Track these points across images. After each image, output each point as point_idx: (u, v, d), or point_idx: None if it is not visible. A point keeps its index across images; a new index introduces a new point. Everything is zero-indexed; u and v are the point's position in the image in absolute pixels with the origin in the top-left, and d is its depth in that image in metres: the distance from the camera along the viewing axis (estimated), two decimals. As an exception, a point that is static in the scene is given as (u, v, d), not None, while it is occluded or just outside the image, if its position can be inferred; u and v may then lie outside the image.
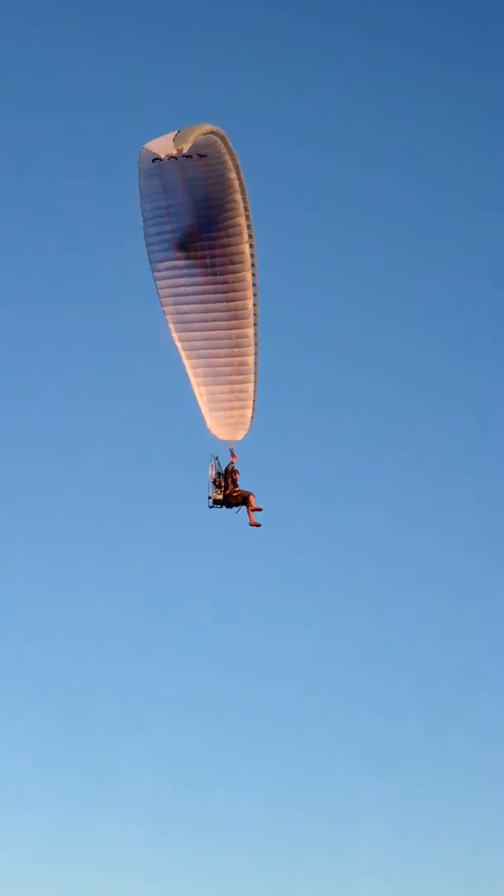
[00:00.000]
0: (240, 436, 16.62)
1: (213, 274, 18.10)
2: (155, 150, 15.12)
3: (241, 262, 17.52)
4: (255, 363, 17.09)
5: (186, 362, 17.63)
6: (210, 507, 16.29)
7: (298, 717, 44.84)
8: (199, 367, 17.50)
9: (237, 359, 17.10)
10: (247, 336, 17.26)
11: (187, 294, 18.69)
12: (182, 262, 18.37)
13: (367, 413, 50.24)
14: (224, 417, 16.94)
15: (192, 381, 17.51)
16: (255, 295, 17.29)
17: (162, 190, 16.86)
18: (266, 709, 44.34)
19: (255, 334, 17.20)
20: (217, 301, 17.80)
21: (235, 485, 16.33)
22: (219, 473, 16.56)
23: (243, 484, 16.33)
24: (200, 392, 17.31)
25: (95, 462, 49.39)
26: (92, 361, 50.84)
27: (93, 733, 43.87)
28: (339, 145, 55.51)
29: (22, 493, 49.81)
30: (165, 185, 16.75)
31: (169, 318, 18.21)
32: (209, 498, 16.38)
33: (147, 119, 51.72)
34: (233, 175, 16.25)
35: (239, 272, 17.55)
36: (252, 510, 16.31)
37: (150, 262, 18.57)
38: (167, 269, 18.63)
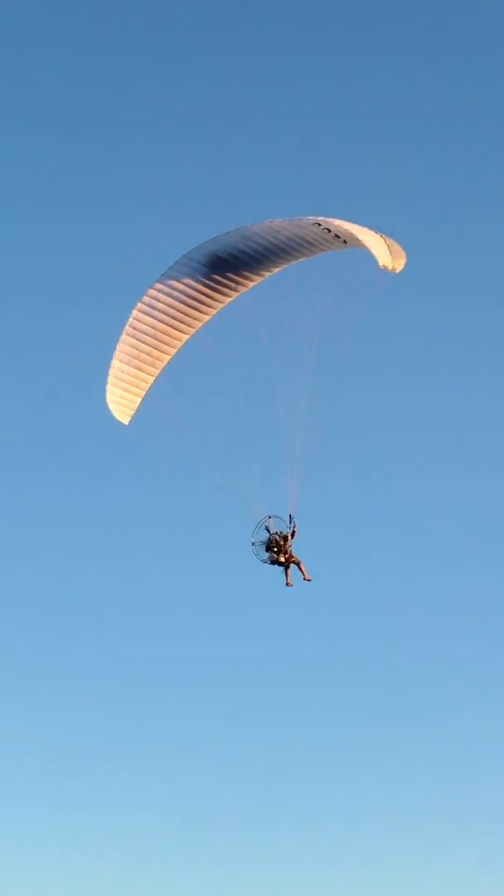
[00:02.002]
0: None
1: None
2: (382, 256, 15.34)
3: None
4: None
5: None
6: (263, 561, 16.53)
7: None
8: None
9: None
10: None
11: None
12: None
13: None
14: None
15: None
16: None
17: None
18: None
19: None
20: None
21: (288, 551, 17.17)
22: (280, 536, 16.77)
23: None
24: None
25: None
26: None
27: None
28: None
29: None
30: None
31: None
32: (267, 551, 16.85)
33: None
34: None
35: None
36: (304, 577, 17.28)
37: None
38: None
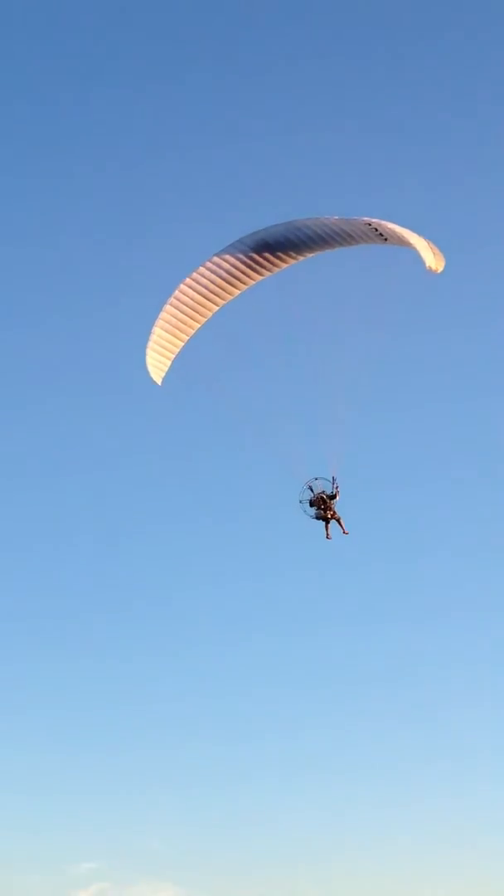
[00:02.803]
0: None
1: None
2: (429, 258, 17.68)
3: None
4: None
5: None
6: (312, 517, 18.87)
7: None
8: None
9: None
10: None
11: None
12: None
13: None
14: None
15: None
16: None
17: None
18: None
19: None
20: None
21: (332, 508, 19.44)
22: (322, 495, 18.93)
23: None
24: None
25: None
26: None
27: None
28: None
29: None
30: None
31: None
32: (312, 506, 18.88)
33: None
34: None
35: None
36: (343, 531, 19.89)
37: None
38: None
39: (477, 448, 45.62)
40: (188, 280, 20.64)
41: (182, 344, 21.76)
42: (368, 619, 44.37)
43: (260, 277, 20.76)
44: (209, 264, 20.42)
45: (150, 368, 21.53)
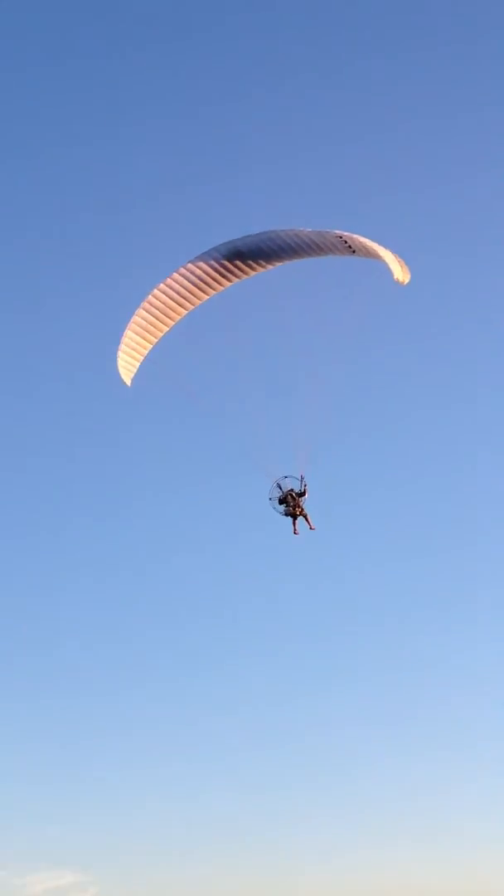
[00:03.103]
0: None
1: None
2: (396, 271, 18.85)
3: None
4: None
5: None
6: (281, 513, 19.79)
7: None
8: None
9: None
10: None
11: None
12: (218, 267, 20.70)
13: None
14: None
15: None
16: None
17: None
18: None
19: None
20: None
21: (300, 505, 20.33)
22: (291, 493, 19.90)
23: None
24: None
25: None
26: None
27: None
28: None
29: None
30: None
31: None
32: (281, 503, 19.75)
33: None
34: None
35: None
36: (309, 526, 20.86)
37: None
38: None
39: (445, 451, 48.59)
40: (161, 285, 21.40)
41: (150, 346, 22.47)
42: (358, 613, 46.84)
43: (230, 283, 21.65)
44: (182, 270, 21.22)
45: (121, 370, 22.18)
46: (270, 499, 20.15)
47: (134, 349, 22.25)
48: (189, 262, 21.17)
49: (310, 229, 19.49)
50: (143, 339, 22.21)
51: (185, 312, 22.14)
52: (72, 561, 47.19)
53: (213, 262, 21.14)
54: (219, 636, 46.22)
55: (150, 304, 21.66)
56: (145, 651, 45.50)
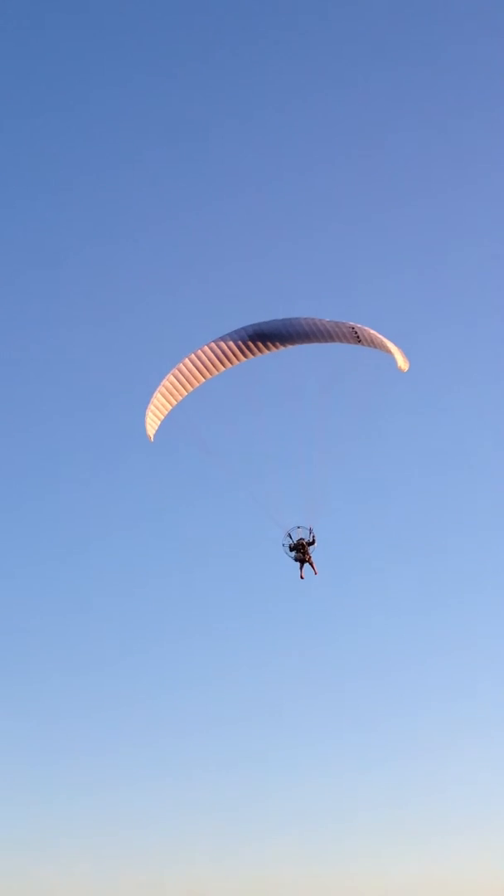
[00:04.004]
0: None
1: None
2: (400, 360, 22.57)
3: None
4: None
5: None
6: (291, 557, 22.97)
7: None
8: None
9: None
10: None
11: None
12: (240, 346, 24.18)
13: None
14: None
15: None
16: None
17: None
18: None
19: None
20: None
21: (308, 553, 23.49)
22: (301, 542, 23.08)
23: None
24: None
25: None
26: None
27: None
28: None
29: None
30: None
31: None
32: (292, 550, 22.99)
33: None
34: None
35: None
36: (314, 571, 23.86)
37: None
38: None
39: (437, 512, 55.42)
40: (192, 356, 24.75)
41: (173, 405, 25.71)
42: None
43: (251, 357, 25.09)
44: (212, 343, 24.62)
45: (147, 426, 25.32)
46: (283, 545, 23.27)
47: (159, 409, 25.45)
48: (219, 337, 24.60)
49: (327, 319, 23.13)
50: (168, 400, 25.45)
51: (204, 379, 25.47)
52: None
53: (238, 340, 24.60)
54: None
55: (180, 371, 24.97)
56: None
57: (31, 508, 56.60)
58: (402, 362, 22.54)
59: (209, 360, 24.95)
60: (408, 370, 22.75)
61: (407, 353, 23.12)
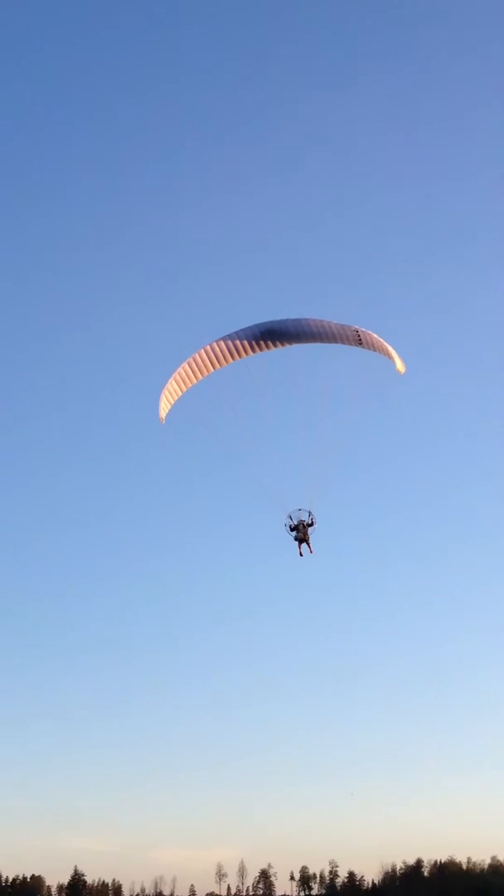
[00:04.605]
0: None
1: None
2: (399, 363, 24.76)
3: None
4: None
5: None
6: (292, 536, 24.96)
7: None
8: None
9: None
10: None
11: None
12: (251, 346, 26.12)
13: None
14: None
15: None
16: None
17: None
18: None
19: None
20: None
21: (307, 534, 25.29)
22: (301, 523, 25.02)
23: None
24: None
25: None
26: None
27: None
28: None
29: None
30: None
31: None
32: (292, 530, 24.93)
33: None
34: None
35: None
36: (310, 550, 25.97)
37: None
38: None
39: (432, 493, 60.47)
40: (206, 347, 26.70)
41: (182, 392, 27.66)
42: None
43: (259, 353, 27.04)
44: (226, 336, 26.57)
45: (161, 408, 27.27)
46: (285, 525, 25.27)
47: (172, 392, 27.41)
48: (232, 332, 26.54)
49: (336, 322, 25.13)
50: (179, 386, 27.41)
51: (213, 369, 27.40)
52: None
53: (250, 335, 26.56)
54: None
55: (195, 360, 26.92)
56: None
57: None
58: (400, 365, 24.53)
59: (221, 352, 26.91)
60: (405, 373, 24.74)
61: (404, 358, 25.10)
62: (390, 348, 24.56)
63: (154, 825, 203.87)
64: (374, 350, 24.93)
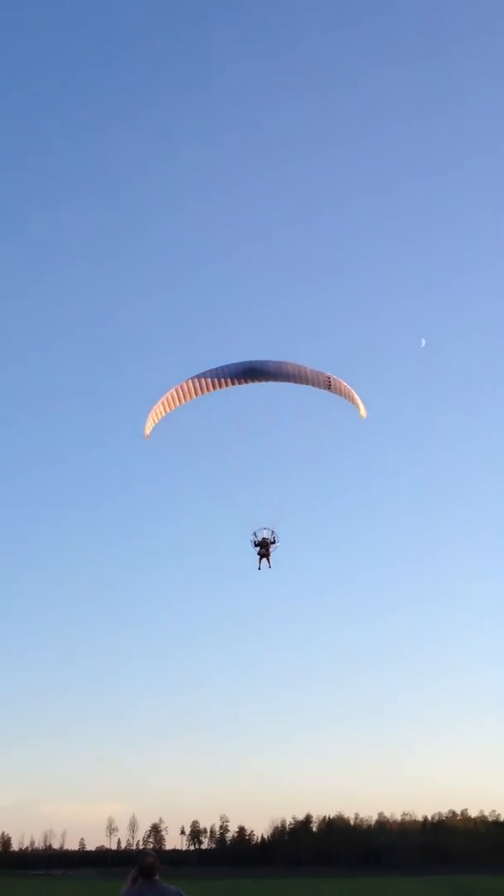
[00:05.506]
0: None
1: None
2: (362, 409, 28.29)
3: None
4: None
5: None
6: (256, 552, 28.87)
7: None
8: None
9: None
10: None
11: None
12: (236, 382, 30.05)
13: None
14: None
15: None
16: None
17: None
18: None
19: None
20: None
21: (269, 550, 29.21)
22: (265, 540, 29.05)
23: None
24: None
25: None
26: None
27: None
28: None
29: None
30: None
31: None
32: (256, 546, 28.93)
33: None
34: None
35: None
36: (269, 564, 29.53)
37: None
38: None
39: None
40: (194, 378, 30.50)
41: (166, 413, 31.48)
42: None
43: (241, 385, 30.90)
44: (213, 370, 30.43)
45: (146, 426, 31.01)
46: (251, 541, 29.28)
47: (157, 413, 31.17)
48: (219, 367, 30.43)
49: (311, 368, 29.27)
50: (165, 408, 31.20)
51: (203, 394, 31.25)
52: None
53: (235, 369, 30.45)
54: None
55: (182, 388, 30.71)
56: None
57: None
58: (363, 412, 28.90)
59: (207, 381, 30.77)
60: (366, 417, 29.15)
61: (367, 405, 29.48)
62: (356, 396, 28.86)
63: (45, 780, 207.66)
64: (342, 396, 29.19)
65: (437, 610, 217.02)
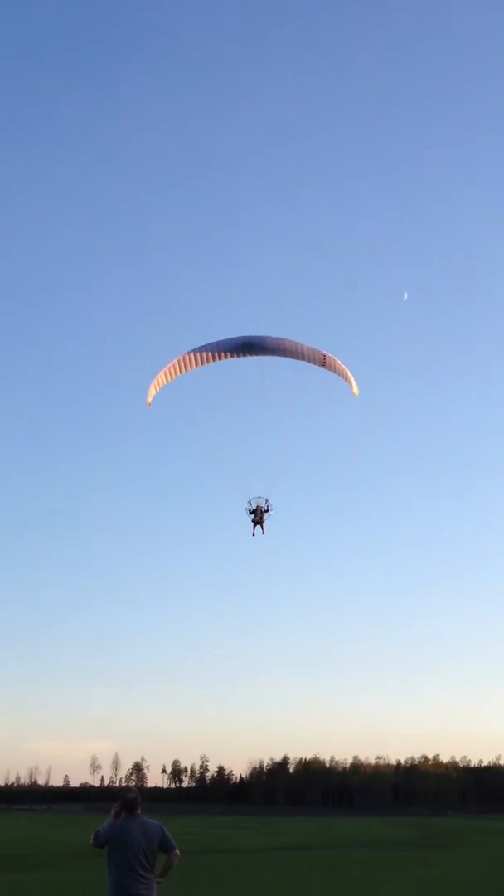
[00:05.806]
0: None
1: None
2: (355, 387, 29.15)
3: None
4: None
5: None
6: (250, 518, 30.27)
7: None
8: None
9: None
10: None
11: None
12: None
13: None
14: None
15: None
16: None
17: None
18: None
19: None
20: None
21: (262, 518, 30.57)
22: (259, 508, 30.43)
23: None
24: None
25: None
26: None
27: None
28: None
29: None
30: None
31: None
32: (251, 513, 30.32)
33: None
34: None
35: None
36: (262, 531, 30.88)
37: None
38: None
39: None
40: (195, 350, 31.81)
41: (167, 382, 32.86)
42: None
43: (239, 358, 32.29)
44: (212, 344, 31.74)
45: (148, 394, 32.39)
46: (246, 509, 30.76)
47: (159, 381, 32.54)
48: (220, 340, 31.73)
49: (307, 346, 30.61)
50: (166, 377, 32.57)
51: (204, 365, 32.60)
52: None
53: (234, 343, 31.77)
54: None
55: (184, 359, 32.05)
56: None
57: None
58: (355, 389, 30.34)
59: (206, 354, 32.10)
60: (358, 395, 30.62)
61: (360, 384, 30.93)
62: (349, 374, 30.27)
63: (30, 719, 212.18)
64: (335, 373, 30.57)
65: (415, 562, 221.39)
